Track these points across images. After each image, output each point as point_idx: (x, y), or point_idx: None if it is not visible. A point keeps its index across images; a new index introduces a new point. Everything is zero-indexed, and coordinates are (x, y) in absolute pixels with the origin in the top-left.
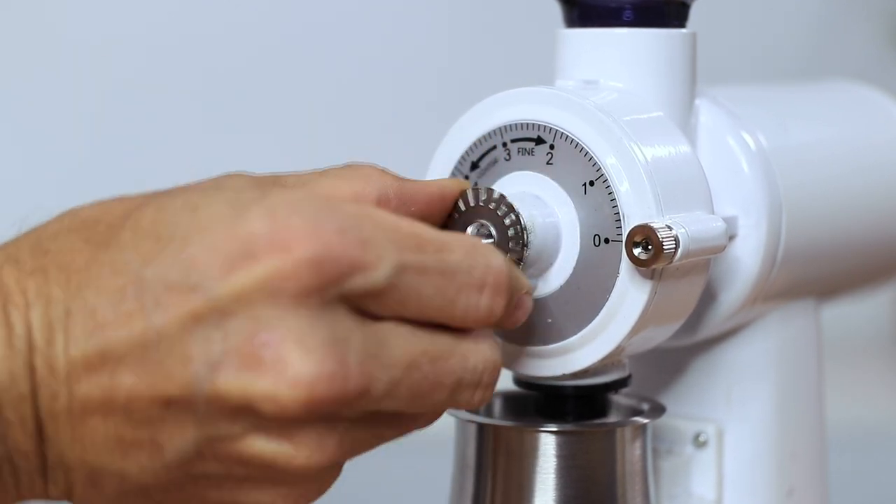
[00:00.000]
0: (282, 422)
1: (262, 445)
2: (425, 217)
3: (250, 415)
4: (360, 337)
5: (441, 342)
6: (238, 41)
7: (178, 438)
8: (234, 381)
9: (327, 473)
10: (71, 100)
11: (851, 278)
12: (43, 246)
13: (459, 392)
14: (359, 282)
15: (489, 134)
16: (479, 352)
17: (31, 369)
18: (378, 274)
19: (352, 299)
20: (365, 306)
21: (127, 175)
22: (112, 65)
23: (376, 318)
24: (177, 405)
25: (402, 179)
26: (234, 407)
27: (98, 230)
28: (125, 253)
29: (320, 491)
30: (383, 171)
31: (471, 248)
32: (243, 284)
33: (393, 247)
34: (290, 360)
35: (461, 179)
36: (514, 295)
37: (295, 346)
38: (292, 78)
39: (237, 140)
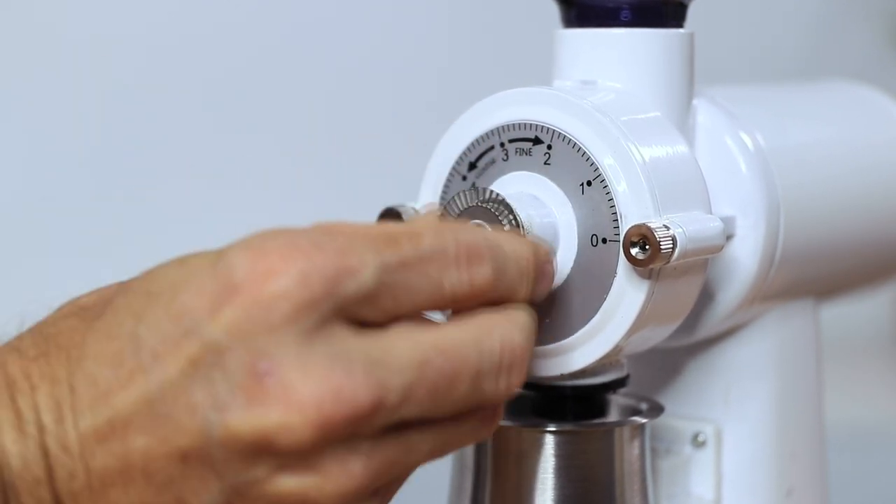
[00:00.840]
0: (302, 453)
1: (289, 483)
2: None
3: (269, 453)
4: (362, 346)
5: (448, 332)
6: (238, 41)
7: (204, 493)
8: (244, 419)
9: (362, 502)
10: (72, 100)
11: (850, 278)
12: (43, 333)
13: (481, 382)
14: (350, 288)
15: (487, 134)
16: (492, 335)
17: (45, 451)
18: (365, 276)
19: (347, 311)
20: (362, 315)
21: (129, 175)
22: (112, 65)
23: (375, 325)
24: (194, 457)
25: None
26: (251, 446)
27: (94, 310)
28: (118, 316)
29: None
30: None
31: (438, 228)
32: (233, 318)
33: (370, 249)
34: (293, 385)
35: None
36: (501, 260)
37: (295, 369)
38: (292, 78)
39: (237, 139)
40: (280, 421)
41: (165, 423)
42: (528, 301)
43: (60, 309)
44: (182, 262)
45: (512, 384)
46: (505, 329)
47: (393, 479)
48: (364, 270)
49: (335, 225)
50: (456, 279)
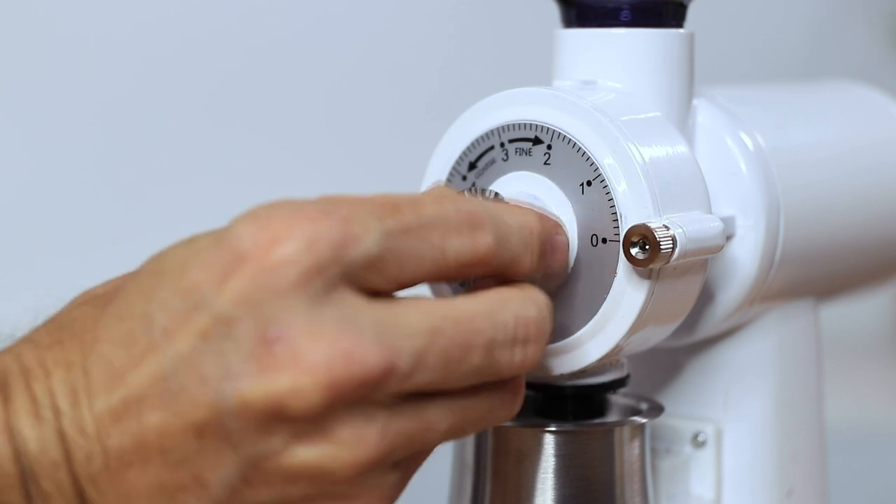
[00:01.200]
0: (314, 419)
1: (304, 453)
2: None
3: (283, 421)
4: (372, 311)
5: (460, 303)
6: (239, 41)
7: (221, 468)
8: (256, 386)
9: (382, 476)
10: (72, 99)
11: (850, 278)
12: (57, 323)
13: (495, 353)
14: (354, 253)
15: (487, 134)
16: (506, 307)
17: (62, 435)
18: (369, 242)
19: (354, 277)
20: (368, 282)
21: (128, 174)
22: (113, 64)
23: (384, 294)
24: (209, 431)
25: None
26: (264, 414)
27: (105, 297)
28: (129, 298)
29: (384, 500)
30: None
31: (439, 197)
32: (240, 288)
33: (373, 217)
34: (302, 349)
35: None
36: (500, 231)
37: (305, 333)
38: (292, 77)
39: (237, 139)
40: (291, 385)
41: (178, 398)
42: (540, 271)
43: (73, 301)
44: (188, 241)
45: (528, 357)
46: (518, 302)
47: (412, 455)
48: (368, 237)
49: (339, 196)
50: (458, 245)
